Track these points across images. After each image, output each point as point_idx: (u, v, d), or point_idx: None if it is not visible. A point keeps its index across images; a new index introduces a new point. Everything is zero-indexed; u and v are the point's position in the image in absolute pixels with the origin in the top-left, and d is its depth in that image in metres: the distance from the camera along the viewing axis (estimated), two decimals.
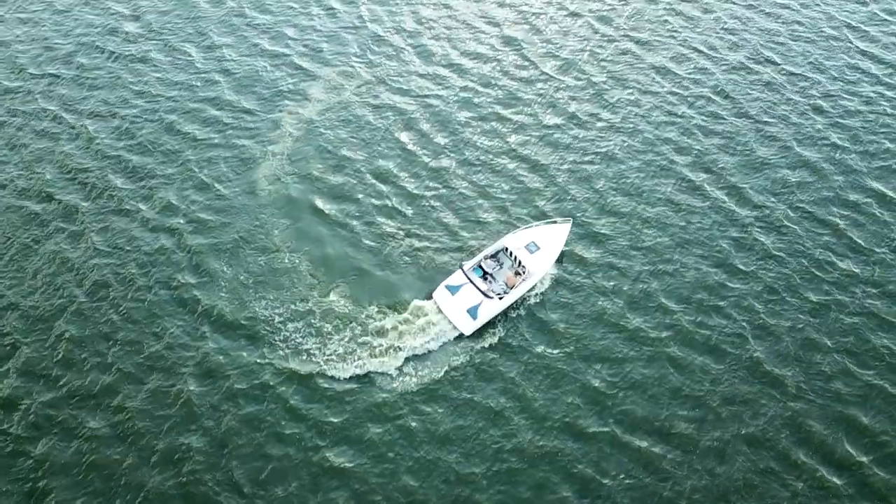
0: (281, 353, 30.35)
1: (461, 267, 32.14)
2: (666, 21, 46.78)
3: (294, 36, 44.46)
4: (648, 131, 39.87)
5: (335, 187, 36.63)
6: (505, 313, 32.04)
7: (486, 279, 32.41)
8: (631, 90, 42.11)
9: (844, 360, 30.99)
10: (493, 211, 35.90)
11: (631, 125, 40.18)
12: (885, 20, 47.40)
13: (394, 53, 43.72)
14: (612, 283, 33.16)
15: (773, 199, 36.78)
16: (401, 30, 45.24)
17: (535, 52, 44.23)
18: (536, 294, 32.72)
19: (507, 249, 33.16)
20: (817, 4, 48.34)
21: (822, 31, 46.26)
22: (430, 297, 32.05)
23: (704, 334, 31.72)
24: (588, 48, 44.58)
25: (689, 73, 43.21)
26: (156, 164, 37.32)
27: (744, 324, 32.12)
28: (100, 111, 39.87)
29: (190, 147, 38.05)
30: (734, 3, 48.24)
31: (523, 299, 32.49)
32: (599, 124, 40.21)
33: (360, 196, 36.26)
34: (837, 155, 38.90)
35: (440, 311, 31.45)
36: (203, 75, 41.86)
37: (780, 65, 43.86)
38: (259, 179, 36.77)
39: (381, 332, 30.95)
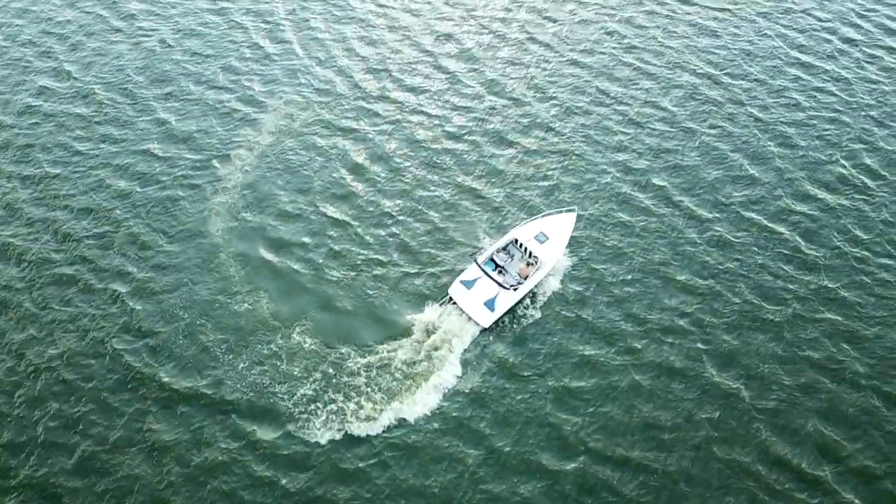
0: (258, 419, 28.93)
1: (475, 261, 32.69)
2: (607, 40, 47.25)
3: (228, 78, 42.95)
4: (590, 152, 40.00)
5: (291, 226, 35.40)
6: (517, 313, 32.22)
7: (499, 272, 32.68)
8: (574, 111, 42.20)
9: (807, 370, 31.05)
10: (455, 233, 35.43)
11: (575, 146, 40.29)
12: (816, 29, 48.87)
13: (333, 88, 42.71)
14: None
15: (719, 212, 37.03)
16: (338, 64, 44.28)
17: (482, 77, 43.93)
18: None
19: (517, 241, 33.72)
20: (753, 18, 49.63)
21: (758, 44, 47.46)
22: (406, 334, 31.34)
23: (664, 356, 31.81)
24: (529, 73, 44.51)
25: (630, 92, 43.56)
26: (92, 224, 35.34)
27: (700, 343, 32.28)
28: (24, 173, 37.53)
29: (126, 203, 36.20)
30: (669, 19, 49.09)
31: (533, 293, 32.93)
32: (534, 146, 40.25)
33: (318, 232, 35.23)
34: (782, 163, 39.55)
35: (457, 305, 31.92)
36: (134, 126, 39.97)
37: (719, 79, 44.46)
38: (208, 228, 35.22)
39: (354, 373, 29.93)
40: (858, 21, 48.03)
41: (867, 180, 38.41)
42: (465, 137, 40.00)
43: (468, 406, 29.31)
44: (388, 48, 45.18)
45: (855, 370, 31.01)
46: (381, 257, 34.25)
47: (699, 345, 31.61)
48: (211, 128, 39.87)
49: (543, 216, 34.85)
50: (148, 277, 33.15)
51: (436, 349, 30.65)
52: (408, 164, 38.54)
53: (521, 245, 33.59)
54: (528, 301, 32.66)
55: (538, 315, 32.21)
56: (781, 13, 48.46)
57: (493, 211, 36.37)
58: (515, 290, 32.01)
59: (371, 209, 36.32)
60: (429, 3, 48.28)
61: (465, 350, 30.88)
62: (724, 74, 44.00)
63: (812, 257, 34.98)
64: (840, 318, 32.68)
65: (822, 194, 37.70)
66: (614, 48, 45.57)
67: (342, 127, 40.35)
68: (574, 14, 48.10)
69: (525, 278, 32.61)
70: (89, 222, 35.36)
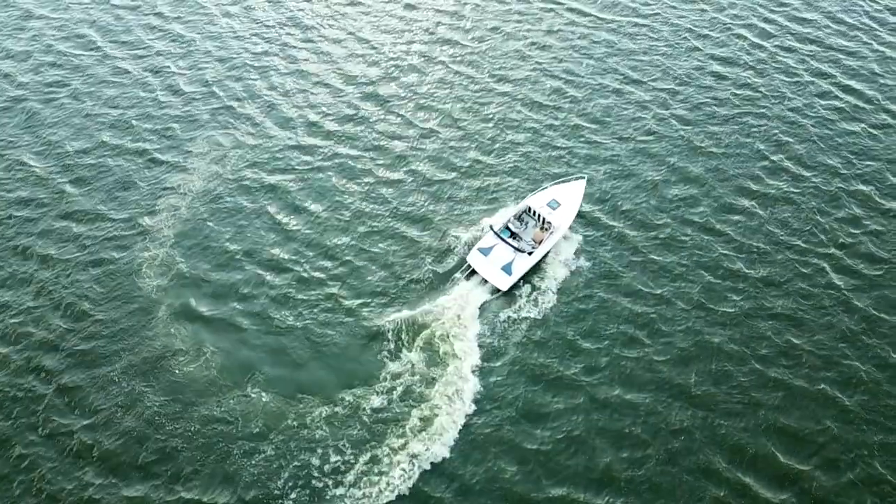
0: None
1: (491, 228, 33.84)
2: (530, 55, 47.26)
3: (147, 127, 40.74)
4: (523, 163, 39.63)
5: (230, 276, 33.61)
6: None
7: (514, 238, 33.87)
8: (496, 124, 41.84)
9: (760, 367, 30.99)
10: (397, 265, 34.27)
11: (505, 159, 39.84)
12: (729, 26, 50.14)
13: (261, 126, 41.06)
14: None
15: (663, 216, 37.18)
16: (264, 100, 42.67)
17: (412, 107, 43.07)
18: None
19: (530, 209, 35.03)
20: (672, 22, 50.56)
21: (677, 46, 48.30)
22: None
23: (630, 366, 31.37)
24: (455, 94, 43.99)
25: (559, 103, 43.54)
26: (13, 297, 32.72)
27: (653, 350, 31.91)
28: None
29: (50, 272, 33.66)
30: (588, 29, 49.52)
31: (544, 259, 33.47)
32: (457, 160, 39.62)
33: (259, 279, 33.50)
34: (716, 163, 40.04)
35: (476, 274, 32.96)
36: (51, 188, 37.39)
37: (645, 83, 44.84)
38: (140, 288, 33.03)
39: (316, 425, 28.30)
40: (771, 15, 49.48)
41: (797, 169, 39.15)
42: (400, 167, 38.97)
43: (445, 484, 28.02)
44: (313, 81, 43.90)
45: (809, 362, 31.18)
46: (327, 301, 32.77)
47: (651, 352, 31.28)
48: (134, 181, 37.67)
49: (554, 184, 36.22)
50: (79, 350, 30.74)
51: (400, 389, 29.42)
52: (345, 199, 37.23)
53: (534, 212, 34.88)
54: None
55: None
56: (697, 15, 49.43)
57: (433, 239, 35.40)
58: (530, 254, 33.26)
59: (311, 250, 34.85)
60: (351, 33, 47.31)
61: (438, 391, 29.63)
62: (648, 78, 44.40)
63: (753, 253, 35.17)
64: (788, 312, 32.83)
65: (755, 186, 38.15)
66: (539, 62, 45.55)
67: (274, 166, 38.78)
68: (496, 32, 47.93)
69: (539, 243, 33.82)
70: (11, 295, 32.71)
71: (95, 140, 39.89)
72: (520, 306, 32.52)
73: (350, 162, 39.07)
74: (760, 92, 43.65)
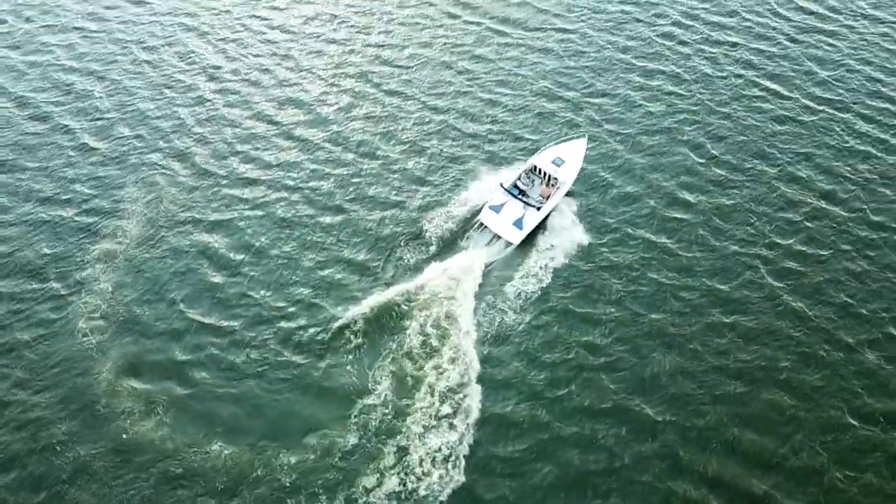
0: None
1: (501, 186, 35.98)
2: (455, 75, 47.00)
3: (71, 175, 38.48)
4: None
5: (174, 341, 31.62)
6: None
7: (522, 195, 35.97)
8: (440, 154, 41.42)
9: (714, 378, 30.81)
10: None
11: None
12: (650, 36, 51.17)
13: (185, 175, 39.31)
14: None
15: (599, 234, 37.36)
16: (189, 136, 41.00)
17: (340, 140, 42.17)
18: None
19: (535, 168, 37.20)
20: (591, 35, 51.12)
21: (601, 58, 48.86)
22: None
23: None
24: (391, 117, 43.35)
25: (484, 126, 43.36)
26: None
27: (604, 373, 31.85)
28: None
29: None
30: (519, 48, 49.67)
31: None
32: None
33: (208, 332, 31.83)
34: (648, 173, 40.66)
35: (487, 229, 34.92)
36: None
37: (569, 96, 45.19)
38: (79, 349, 30.95)
39: (285, 472, 26.89)
40: (687, 21, 50.70)
41: (726, 174, 39.85)
42: (344, 195, 37.95)
43: None
44: (245, 112, 42.50)
45: (763, 368, 31.27)
46: (282, 340, 31.46)
47: (604, 376, 31.13)
48: (64, 235, 35.48)
49: (557, 143, 38.49)
50: (17, 423, 28.51)
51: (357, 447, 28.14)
52: (290, 231, 35.98)
53: (539, 170, 36.99)
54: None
55: None
56: (616, 27, 50.09)
57: (384, 263, 34.52)
58: (539, 209, 35.30)
59: (259, 288, 33.44)
60: (280, 61, 46.10)
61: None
62: (574, 91, 44.63)
63: (693, 261, 35.26)
64: (736, 319, 32.89)
65: (688, 196, 38.29)
66: (461, 88, 45.38)
67: (213, 204, 37.19)
68: (414, 57, 47.56)
69: (547, 198, 35.88)
70: None
71: (18, 194, 37.48)
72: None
73: (292, 193, 37.84)
74: (684, 95, 44.58)
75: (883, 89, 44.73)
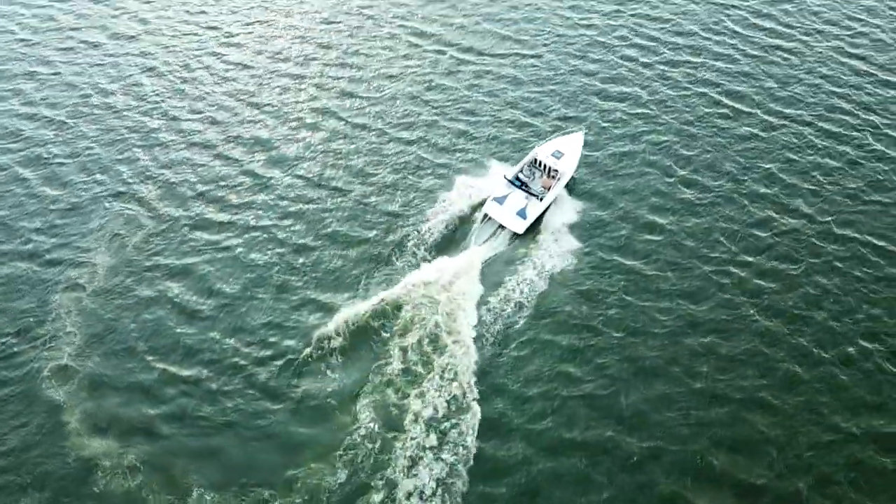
0: None
1: (504, 177, 37.54)
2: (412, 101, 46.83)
3: (29, 226, 37.21)
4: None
5: (144, 374, 30.91)
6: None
7: (524, 186, 37.53)
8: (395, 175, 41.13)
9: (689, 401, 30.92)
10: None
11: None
12: (615, 46, 51.66)
13: (151, 209, 38.38)
14: None
15: (577, 262, 37.36)
16: (150, 179, 40.02)
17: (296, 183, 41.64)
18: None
19: (536, 160, 38.88)
20: (537, 53, 51.43)
21: (562, 82, 49.15)
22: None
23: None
24: (349, 150, 42.90)
25: (456, 141, 43.27)
26: None
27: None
28: None
29: None
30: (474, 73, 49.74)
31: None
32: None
33: (182, 383, 30.88)
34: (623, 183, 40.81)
35: (492, 220, 36.54)
36: None
37: (524, 118, 45.33)
38: (42, 406, 29.78)
39: None
40: (650, 43, 51.32)
41: (695, 194, 40.24)
42: (311, 233, 37.32)
43: None
44: (206, 151, 41.68)
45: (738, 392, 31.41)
46: (253, 385, 30.68)
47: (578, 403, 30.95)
48: (23, 287, 34.27)
49: (556, 137, 40.42)
50: None
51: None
52: (257, 273, 35.21)
53: (540, 163, 38.60)
54: None
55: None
56: (580, 52, 50.39)
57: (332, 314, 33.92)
58: (541, 199, 36.90)
59: (228, 334, 32.59)
60: (240, 97, 45.43)
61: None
62: (540, 117, 44.69)
63: (666, 284, 35.24)
64: (713, 341, 32.89)
65: (658, 219, 38.47)
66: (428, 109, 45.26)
67: (178, 248, 36.24)
68: (380, 89, 47.31)
69: (548, 189, 37.40)
70: None
71: None
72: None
73: (259, 233, 37.07)
74: (652, 108, 44.95)
75: (840, 102, 45.58)
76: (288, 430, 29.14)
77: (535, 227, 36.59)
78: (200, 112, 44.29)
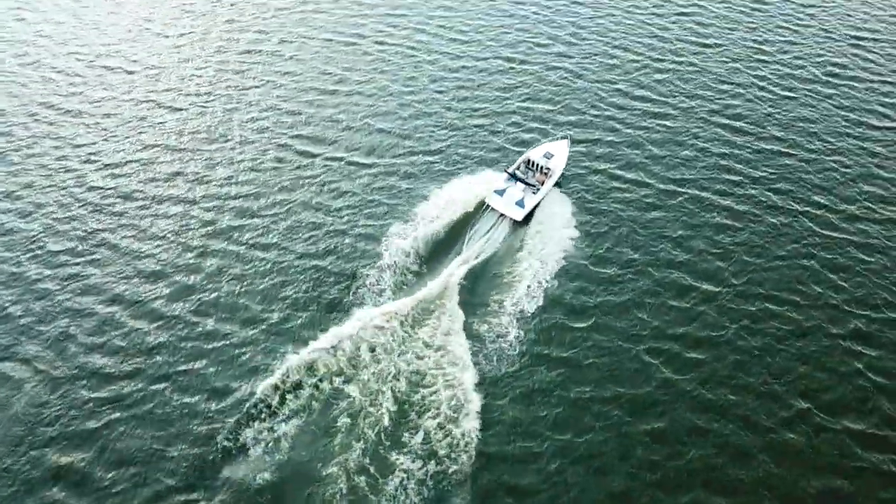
0: None
1: (506, 170, 43.75)
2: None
3: None
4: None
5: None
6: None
7: (521, 181, 43.19)
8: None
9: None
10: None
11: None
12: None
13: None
14: None
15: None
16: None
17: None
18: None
19: (530, 161, 44.90)
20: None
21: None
22: None
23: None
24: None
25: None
26: None
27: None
28: None
29: None
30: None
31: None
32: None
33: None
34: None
35: (493, 210, 41.92)
36: None
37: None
38: None
39: None
40: (540, 125, 52.44)
41: (613, 271, 40.50)
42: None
43: None
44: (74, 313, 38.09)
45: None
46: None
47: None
48: None
49: (546, 142, 46.87)
50: None
51: None
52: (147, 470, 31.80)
53: (533, 163, 44.66)
54: None
55: None
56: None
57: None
58: (536, 192, 42.69)
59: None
60: (113, 247, 42.10)
61: None
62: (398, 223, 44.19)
63: (594, 368, 35.22)
64: (652, 424, 32.94)
65: (582, 299, 38.66)
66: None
67: (68, 432, 32.23)
68: (280, 204, 45.39)
69: (541, 184, 43.43)
70: None
71: None
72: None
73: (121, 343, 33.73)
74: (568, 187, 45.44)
75: (727, 162, 47.81)
76: None
77: (530, 217, 41.72)
78: (81, 254, 40.34)
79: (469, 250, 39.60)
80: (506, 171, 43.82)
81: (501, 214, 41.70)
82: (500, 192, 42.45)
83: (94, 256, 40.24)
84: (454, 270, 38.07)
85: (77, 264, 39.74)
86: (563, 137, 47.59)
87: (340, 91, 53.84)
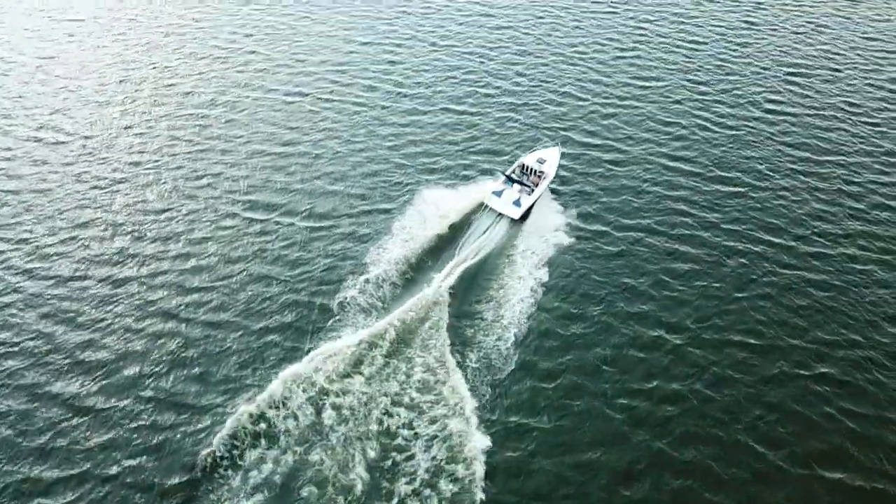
0: None
1: (503, 173, 47.20)
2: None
3: None
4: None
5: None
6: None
7: (517, 183, 46.34)
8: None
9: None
10: None
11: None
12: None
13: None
14: None
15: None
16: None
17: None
18: None
19: (524, 166, 47.93)
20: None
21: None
22: None
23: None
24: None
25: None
26: None
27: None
28: None
29: None
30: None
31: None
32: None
33: None
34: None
35: (491, 210, 45.20)
36: None
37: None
38: None
39: None
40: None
41: (580, 328, 39.81)
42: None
43: None
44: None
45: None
46: None
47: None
48: None
49: (538, 149, 50.06)
50: None
51: None
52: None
53: (527, 167, 47.80)
54: None
55: None
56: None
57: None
58: (531, 192, 45.92)
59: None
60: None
61: None
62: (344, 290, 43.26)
63: (571, 434, 34.33)
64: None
65: (547, 363, 37.84)
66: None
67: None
68: (228, 277, 43.65)
69: (536, 185, 46.59)
70: None
71: None
72: None
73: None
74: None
75: (678, 205, 47.99)
76: None
77: (526, 216, 44.88)
78: (15, 342, 37.81)
79: (468, 248, 42.51)
80: (503, 174, 47.31)
81: (500, 214, 44.80)
82: (498, 194, 45.79)
83: (23, 346, 37.59)
84: (450, 271, 40.86)
85: (11, 356, 37.06)
86: (554, 144, 51.21)
87: (286, 152, 52.61)
